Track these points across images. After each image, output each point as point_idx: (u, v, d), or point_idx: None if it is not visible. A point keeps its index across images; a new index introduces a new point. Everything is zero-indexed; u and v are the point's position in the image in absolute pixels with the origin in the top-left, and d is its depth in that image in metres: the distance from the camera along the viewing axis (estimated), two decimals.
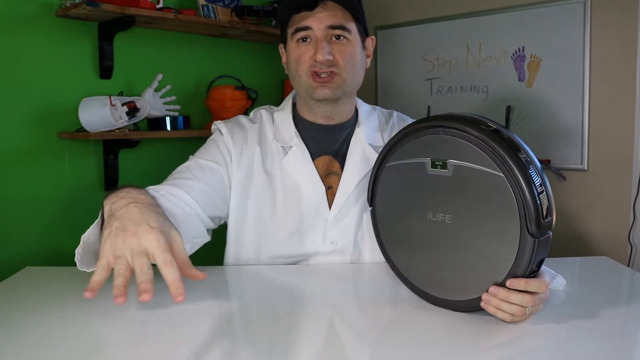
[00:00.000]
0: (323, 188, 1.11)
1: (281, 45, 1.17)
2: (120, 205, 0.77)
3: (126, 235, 0.70)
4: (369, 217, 1.08)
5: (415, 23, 2.49)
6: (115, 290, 0.64)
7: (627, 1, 1.93)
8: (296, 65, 1.09)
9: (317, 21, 1.05)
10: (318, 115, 1.14)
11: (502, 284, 0.77)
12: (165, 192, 1.00)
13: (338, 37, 1.07)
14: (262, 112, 1.20)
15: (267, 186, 1.11)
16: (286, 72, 1.16)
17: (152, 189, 0.99)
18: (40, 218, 1.77)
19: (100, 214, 0.85)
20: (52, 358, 0.71)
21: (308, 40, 1.07)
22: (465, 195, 0.80)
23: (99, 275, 0.68)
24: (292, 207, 1.10)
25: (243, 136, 1.14)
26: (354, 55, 1.09)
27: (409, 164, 0.88)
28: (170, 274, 0.66)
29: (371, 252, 1.12)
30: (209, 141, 1.17)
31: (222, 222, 1.15)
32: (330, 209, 1.11)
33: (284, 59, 1.17)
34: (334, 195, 1.11)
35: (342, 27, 1.06)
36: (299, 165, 1.11)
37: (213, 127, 1.19)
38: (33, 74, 1.73)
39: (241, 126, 1.16)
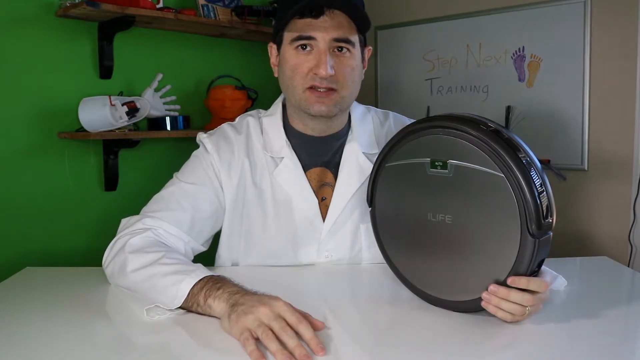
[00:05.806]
0: (316, 201, 1.07)
1: (272, 45, 1.08)
2: (230, 296, 0.81)
3: (256, 309, 0.75)
4: (366, 229, 1.06)
5: (415, 23, 2.48)
6: (280, 356, 0.69)
7: (627, 1, 1.93)
8: (292, 74, 1.01)
9: (322, 32, 0.96)
10: (309, 128, 1.08)
11: (502, 284, 0.77)
12: (159, 229, 1.00)
13: (340, 49, 0.99)
14: (249, 120, 1.12)
15: (257, 200, 1.07)
16: (275, 74, 1.09)
17: (142, 223, 0.99)
18: (40, 218, 1.77)
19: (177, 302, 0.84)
20: (52, 358, 0.71)
21: (308, 49, 0.99)
22: (465, 196, 0.80)
23: (251, 345, 0.71)
24: (285, 221, 1.07)
25: (230, 150, 1.08)
26: (355, 70, 1.02)
27: (409, 164, 0.87)
28: (307, 331, 0.73)
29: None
30: (193, 158, 1.10)
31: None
32: (324, 221, 1.07)
33: (273, 60, 1.09)
34: (327, 207, 1.07)
35: (347, 41, 0.98)
36: (290, 178, 1.07)
37: (198, 139, 1.12)
38: (33, 74, 1.73)
39: (227, 139, 1.09)
